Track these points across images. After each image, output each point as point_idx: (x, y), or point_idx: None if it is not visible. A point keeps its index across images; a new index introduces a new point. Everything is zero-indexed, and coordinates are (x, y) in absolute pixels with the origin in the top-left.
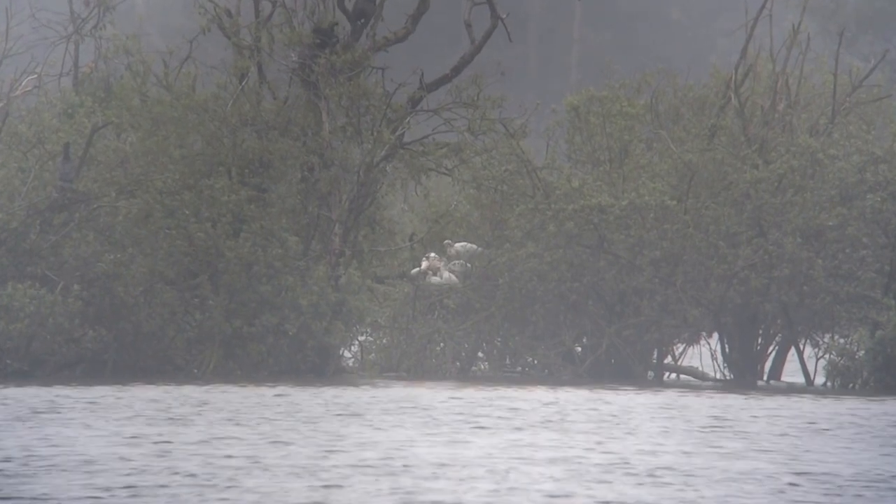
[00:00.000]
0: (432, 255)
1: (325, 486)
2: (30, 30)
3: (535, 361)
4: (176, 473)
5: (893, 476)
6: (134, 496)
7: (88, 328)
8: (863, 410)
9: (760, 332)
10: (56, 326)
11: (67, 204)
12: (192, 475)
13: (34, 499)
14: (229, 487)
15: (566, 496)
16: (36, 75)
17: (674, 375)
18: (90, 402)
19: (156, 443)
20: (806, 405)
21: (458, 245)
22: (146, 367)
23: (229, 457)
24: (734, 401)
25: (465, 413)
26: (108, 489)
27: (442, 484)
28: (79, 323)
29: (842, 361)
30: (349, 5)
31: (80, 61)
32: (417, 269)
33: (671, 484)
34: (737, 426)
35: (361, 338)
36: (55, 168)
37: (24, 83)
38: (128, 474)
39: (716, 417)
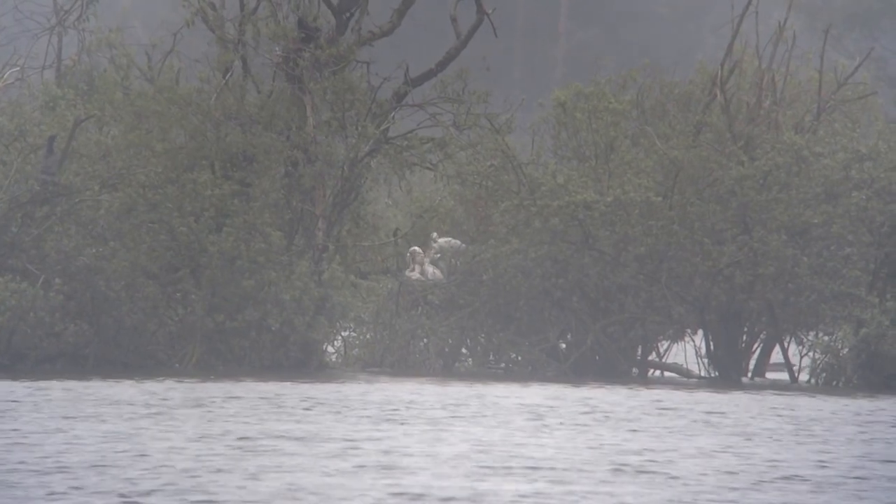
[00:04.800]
0: (416, 248)
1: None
2: (12, 21)
3: (519, 358)
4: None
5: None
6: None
7: (70, 322)
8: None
9: (745, 329)
10: (37, 320)
11: (49, 197)
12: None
13: None
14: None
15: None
16: (18, 68)
17: (658, 372)
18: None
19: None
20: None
21: (441, 240)
22: (127, 361)
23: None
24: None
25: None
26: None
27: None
28: (60, 317)
29: (826, 359)
30: None
31: (63, 54)
32: (413, 269)
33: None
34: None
35: (345, 333)
36: (37, 161)
37: (6, 76)
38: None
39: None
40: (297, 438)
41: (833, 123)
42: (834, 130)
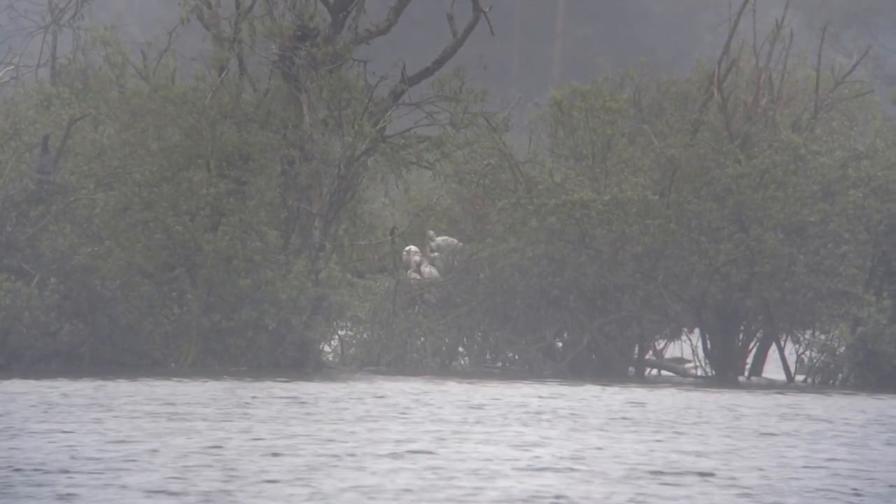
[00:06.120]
0: (412, 248)
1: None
2: (7, 20)
3: (516, 357)
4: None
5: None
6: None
7: (65, 322)
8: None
9: (742, 327)
10: (32, 320)
11: (44, 196)
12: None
13: None
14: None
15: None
16: (13, 66)
17: (655, 371)
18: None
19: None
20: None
21: (438, 239)
22: (123, 361)
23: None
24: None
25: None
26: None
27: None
28: (55, 316)
29: (823, 357)
30: None
31: (57, 52)
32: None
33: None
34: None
35: (341, 332)
36: (32, 160)
37: (1, 74)
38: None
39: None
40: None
41: (830, 122)
42: (831, 129)
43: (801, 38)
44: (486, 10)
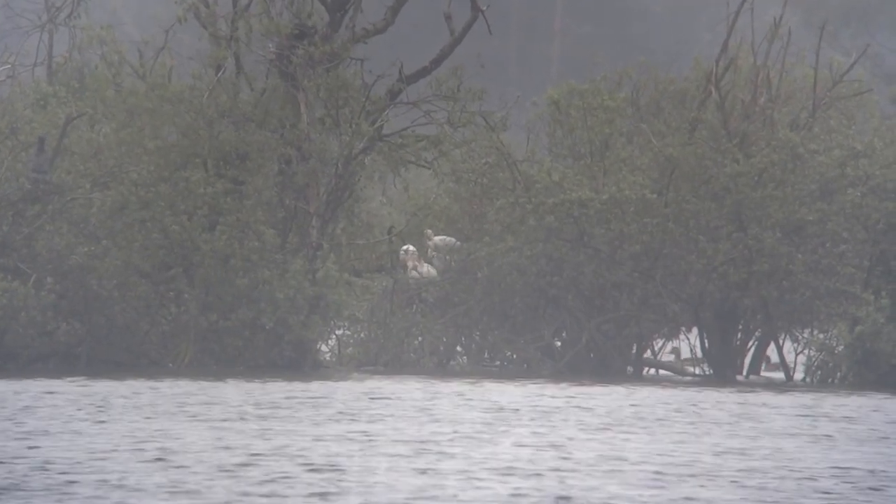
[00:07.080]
0: (410, 247)
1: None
2: (3, 18)
3: (514, 356)
4: None
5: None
6: None
7: (62, 321)
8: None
9: (740, 326)
10: (29, 319)
11: (41, 195)
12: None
13: None
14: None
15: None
16: (9, 65)
17: (653, 370)
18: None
19: None
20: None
21: (436, 238)
22: (120, 360)
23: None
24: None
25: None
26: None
27: None
28: (52, 316)
29: (821, 356)
30: None
31: (54, 51)
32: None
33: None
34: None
35: (339, 332)
36: (28, 159)
37: None
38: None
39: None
40: None
41: (828, 120)
42: (829, 127)
43: (800, 36)
44: (484, 8)
